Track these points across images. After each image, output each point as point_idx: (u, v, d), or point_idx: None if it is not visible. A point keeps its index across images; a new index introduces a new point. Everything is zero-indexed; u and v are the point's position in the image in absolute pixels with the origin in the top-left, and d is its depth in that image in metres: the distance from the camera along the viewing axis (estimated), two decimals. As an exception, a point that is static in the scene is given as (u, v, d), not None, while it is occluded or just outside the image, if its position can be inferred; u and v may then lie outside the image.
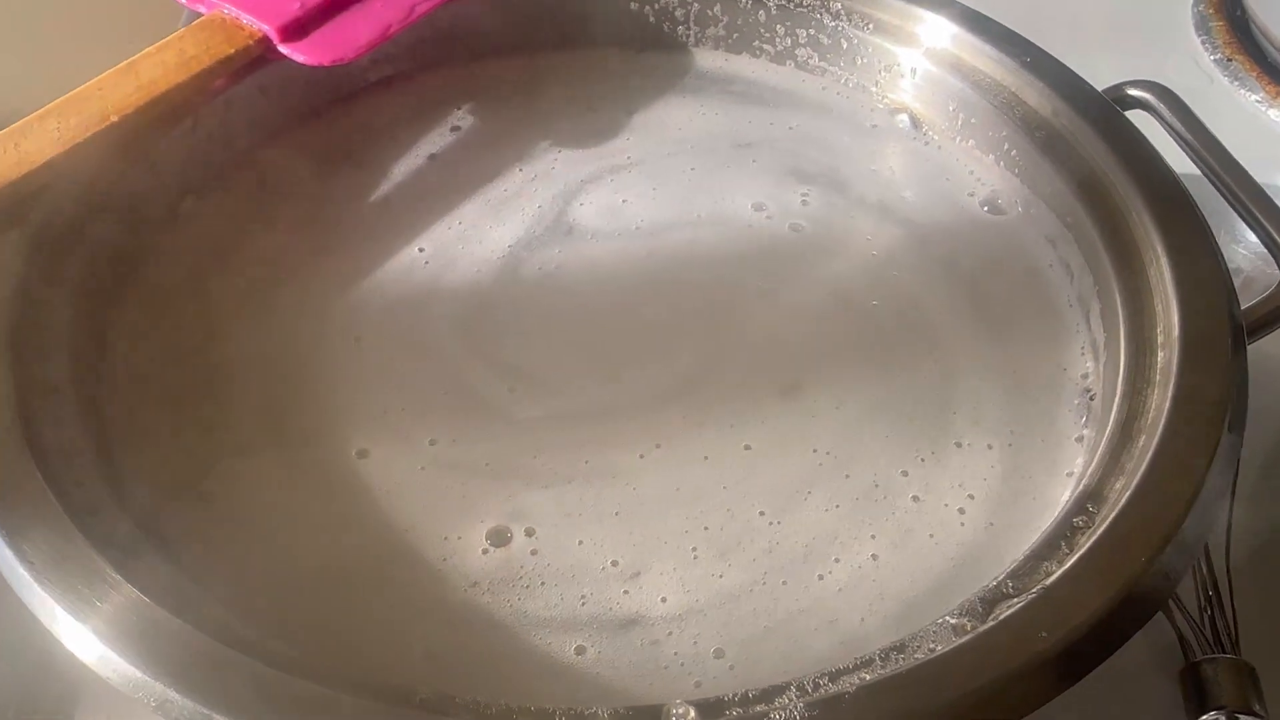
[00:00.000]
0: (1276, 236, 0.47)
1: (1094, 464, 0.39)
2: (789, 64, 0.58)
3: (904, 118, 0.55)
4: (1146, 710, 0.51)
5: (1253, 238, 0.48)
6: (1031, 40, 0.52)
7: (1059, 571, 0.35)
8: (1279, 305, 0.45)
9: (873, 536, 0.41)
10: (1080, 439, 0.43)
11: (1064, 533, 0.36)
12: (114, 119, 0.45)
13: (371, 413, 0.44)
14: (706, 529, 0.41)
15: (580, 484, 0.42)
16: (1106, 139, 0.48)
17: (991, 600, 0.35)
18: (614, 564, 0.40)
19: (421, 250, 0.50)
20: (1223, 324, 0.40)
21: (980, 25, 0.52)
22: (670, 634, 0.38)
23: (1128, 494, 0.36)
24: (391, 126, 0.55)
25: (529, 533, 0.41)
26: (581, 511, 0.41)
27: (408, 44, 0.56)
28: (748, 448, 0.44)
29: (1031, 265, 0.50)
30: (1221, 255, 0.43)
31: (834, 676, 0.33)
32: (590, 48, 0.58)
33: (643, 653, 0.38)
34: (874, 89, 0.56)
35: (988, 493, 0.42)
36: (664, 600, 0.39)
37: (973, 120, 0.53)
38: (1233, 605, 0.52)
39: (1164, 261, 0.43)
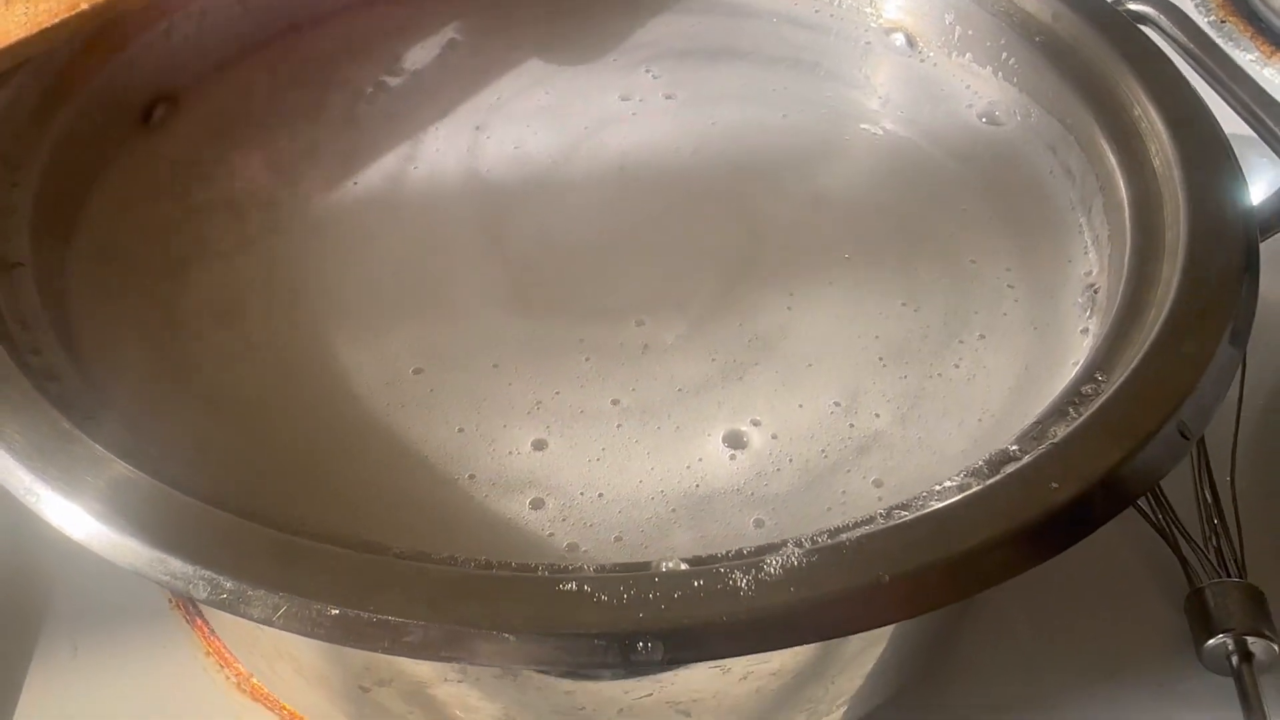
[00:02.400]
0: (1283, 137, 0.45)
1: (1103, 336, 0.37)
2: (780, -17, 0.57)
3: (899, 36, 0.54)
4: (1152, 638, 0.50)
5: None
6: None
7: (1067, 430, 0.33)
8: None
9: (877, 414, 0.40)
10: (1085, 331, 0.42)
11: (1072, 400, 0.35)
12: (84, 6, 0.44)
13: (335, 293, 0.43)
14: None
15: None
16: (1108, 37, 0.46)
17: (997, 462, 0.33)
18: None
19: (436, 128, 0.50)
20: (1230, 195, 0.39)
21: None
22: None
23: (1138, 358, 0.35)
24: (379, 39, 0.54)
25: (539, 446, 0.39)
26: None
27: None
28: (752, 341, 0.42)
29: (1032, 173, 0.48)
30: (1224, 135, 0.42)
31: (833, 534, 0.31)
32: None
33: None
34: (869, 9, 0.55)
35: (983, 389, 0.41)
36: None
37: (970, 32, 0.52)
38: (1239, 529, 0.51)
39: (1170, 150, 0.42)
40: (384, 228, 0.45)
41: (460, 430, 0.39)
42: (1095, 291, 0.43)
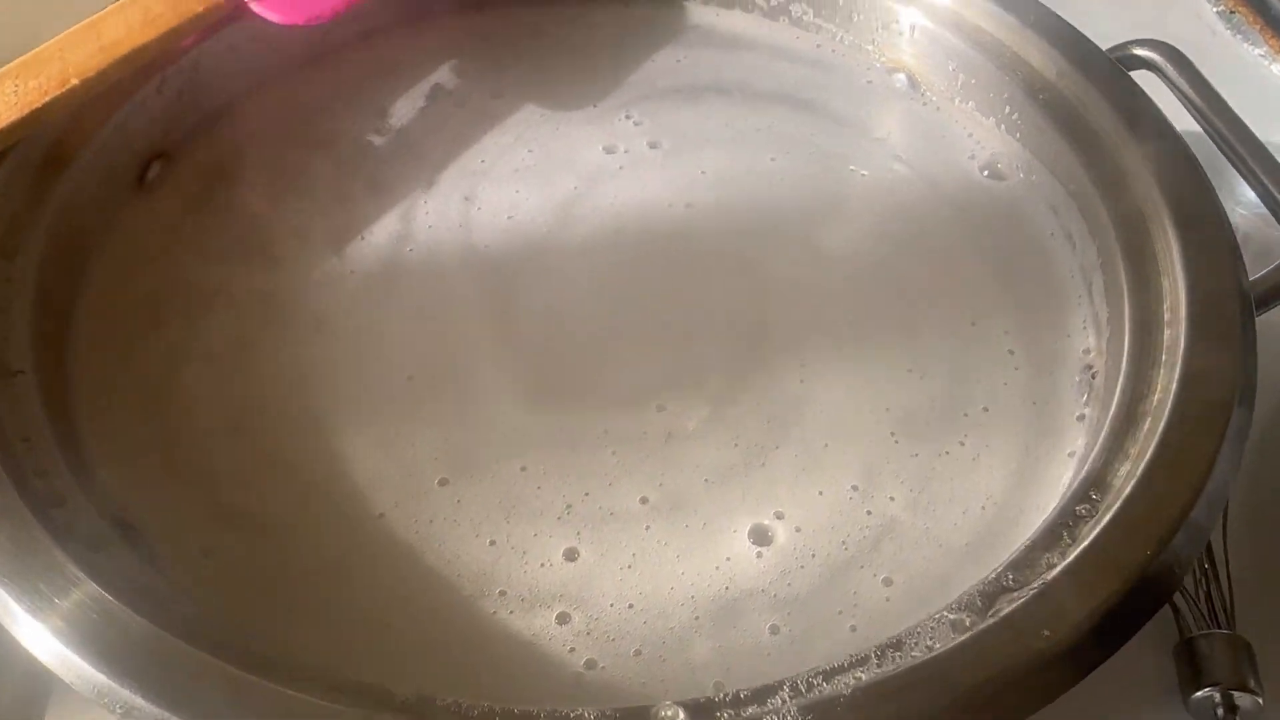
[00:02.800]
0: (1283, 200, 0.45)
1: (1097, 447, 0.37)
2: (783, 19, 0.56)
3: (901, 77, 0.53)
4: (1141, 687, 0.51)
5: (1252, 196, 0.47)
6: (1035, -4, 0.50)
7: (1061, 565, 0.33)
8: (1288, 276, 0.44)
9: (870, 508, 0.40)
10: (1082, 418, 0.42)
11: (1066, 521, 0.35)
12: (75, 82, 0.43)
13: (348, 398, 0.43)
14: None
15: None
16: (1113, 103, 0.46)
17: (991, 594, 0.34)
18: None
19: (425, 202, 0.49)
20: (1232, 301, 0.39)
21: (981, -20, 0.50)
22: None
23: (1133, 481, 0.35)
24: (368, 86, 0.53)
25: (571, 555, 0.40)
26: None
27: (384, -2, 0.53)
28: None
29: (1033, 234, 0.48)
30: (1230, 226, 0.42)
31: (828, 676, 0.31)
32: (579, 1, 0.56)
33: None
34: (870, 47, 0.54)
35: (987, 471, 0.41)
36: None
37: (973, 81, 0.51)
38: (1229, 579, 0.51)
39: (1171, 234, 0.42)
40: (388, 319, 0.45)
41: (492, 543, 0.39)
42: (1093, 376, 0.43)
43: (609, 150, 0.51)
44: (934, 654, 0.31)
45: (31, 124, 0.42)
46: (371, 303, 0.45)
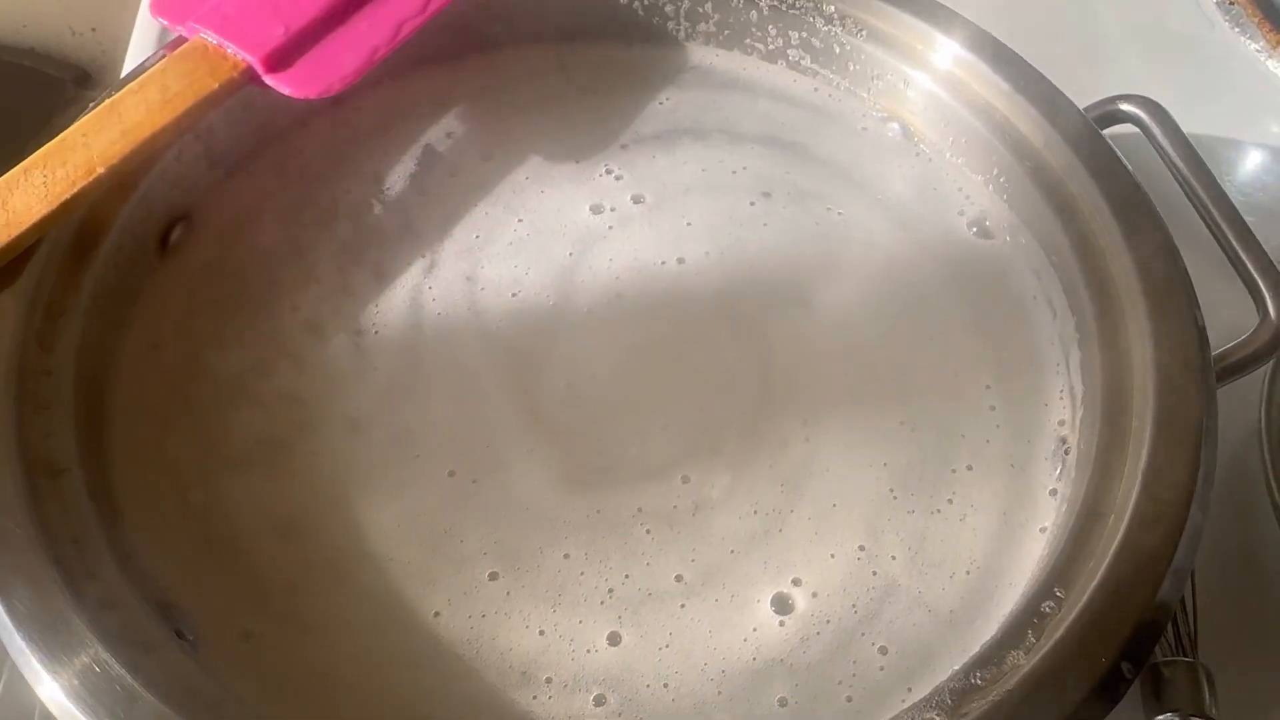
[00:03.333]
0: (1257, 276, 0.47)
1: (1064, 540, 0.40)
2: (780, 63, 0.57)
3: (895, 126, 0.55)
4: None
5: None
6: (1026, 61, 0.51)
7: (1025, 668, 0.37)
8: (1251, 353, 0.46)
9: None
10: (1054, 492, 0.45)
11: (1031, 619, 0.38)
12: (101, 171, 0.45)
13: (392, 499, 0.45)
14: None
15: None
16: (1098, 182, 0.48)
17: (961, 691, 0.37)
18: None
19: (430, 288, 0.50)
20: (1196, 406, 0.41)
21: (976, 43, 0.51)
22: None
23: (1094, 582, 0.38)
24: (363, 147, 0.54)
25: (614, 640, 0.43)
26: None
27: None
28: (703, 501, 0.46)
29: (1017, 296, 0.50)
30: (1201, 321, 0.44)
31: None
32: (578, 41, 0.57)
33: None
34: (865, 95, 0.56)
35: (971, 534, 0.44)
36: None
37: (964, 139, 0.53)
38: (1194, 607, 0.55)
39: (1143, 324, 0.44)
40: (418, 416, 0.47)
41: (541, 633, 0.42)
42: (1066, 451, 0.46)
43: (595, 210, 0.53)
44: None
45: (61, 215, 0.44)
46: (400, 399, 0.47)
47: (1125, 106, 0.53)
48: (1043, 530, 0.44)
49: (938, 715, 0.36)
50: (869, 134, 0.55)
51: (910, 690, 0.41)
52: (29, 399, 0.42)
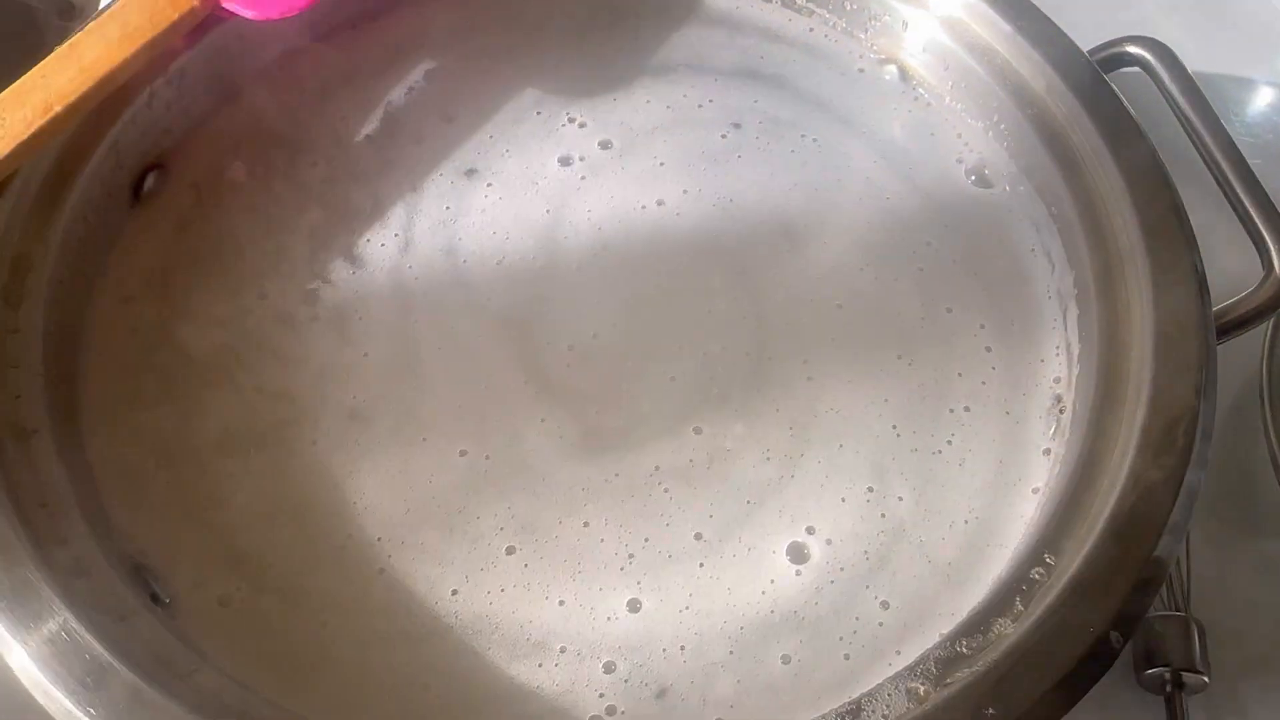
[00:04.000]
0: (1263, 230, 0.46)
1: (1055, 505, 0.40)
2: (775, 1, 0.55)
3: (892, 69, 0.53)
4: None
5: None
6: (1029, 2, 0.49)
7: (1012, 637, 0.36)
8: (1254, 309, 0.45)
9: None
10: (1047, 452, 0.44)
11: (1020, 586, 0.38)
12: (58, 109, 0.43)
13: (402, 486, 0.44)
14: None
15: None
16: (1099, 127, 0.46)
17: (947, 660, 0.36)
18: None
19: (410, 267, 0.48)
20: (1195, 369, 0.40)
21: (977, -18, 0.49)
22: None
23: (1085, 548, 0.37)
24: (357, 77, 0.53)
25: (634, 606, 0.42)
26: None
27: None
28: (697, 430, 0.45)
29: (1014, 247, 0.49)
30: (1204, 276, 0.43)
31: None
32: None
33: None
34: (863, 36, 0.54)
35: (970, 478, 0.44)
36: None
37: (963, 84, 0.51)
38: (1188, 563, 0.54)
39: (1143, 281, 0.43)
40: (420, 399, 0.45)
41: (561, 603, 0.41)
42: (1061, 410, 0.44)
43: (564, 161, 0.51)
44: (892, 731, 0.34)
45: (20, 157, 0.43)
46: (398, 383, 0.46)
47: (1131, 49, 0.51)
48: (1035, 491, 0.43)
49: (922, 684, 0.36)
50: (865, 76, 0.54)
51: (899, 654, 0.40)
52: (-2, 358, 0.41)
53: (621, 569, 0.42)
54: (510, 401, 0.45)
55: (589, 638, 0.41)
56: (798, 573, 0.42)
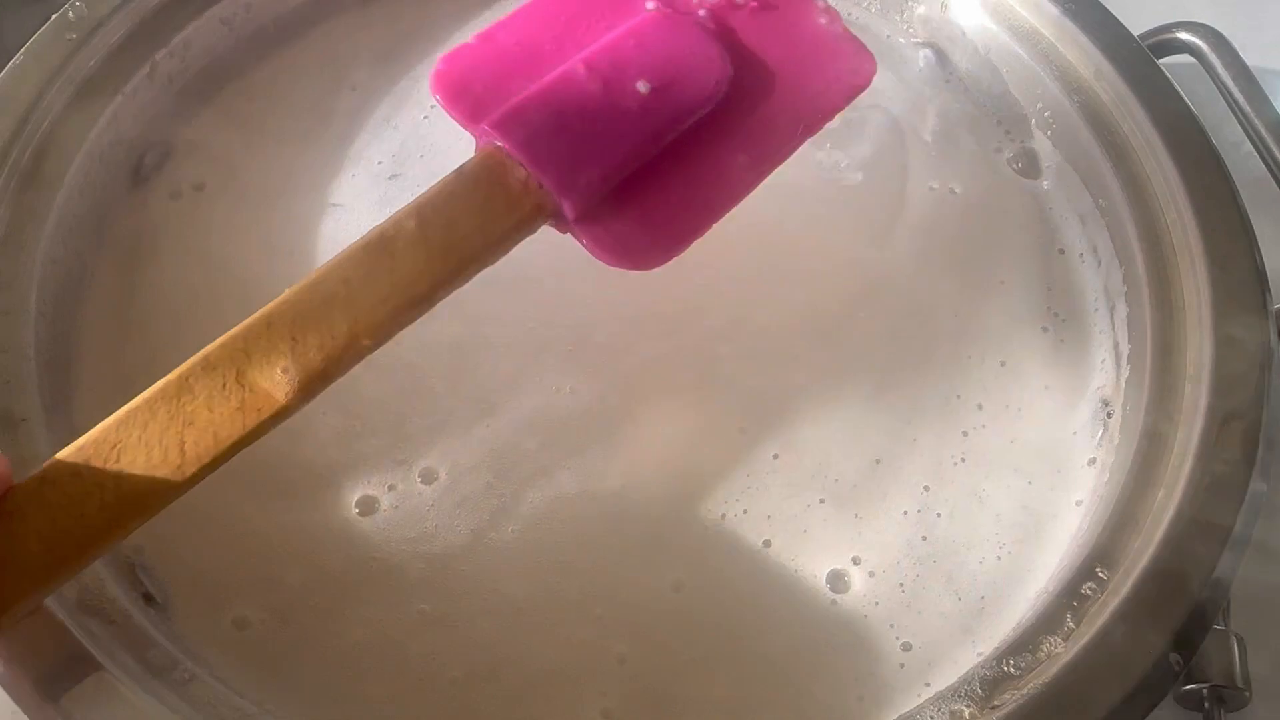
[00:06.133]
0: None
1: (1107, 514, 0.37)
2: (808, -21, 0.52)
3: (929, 52, 0.51)
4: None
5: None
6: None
7: (1064, 658, 0.34)
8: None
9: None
10: (1093, 461, 0.41)
11: (1070, 602, 0.35)
12: (366, 343, 0.34)
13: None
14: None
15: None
16: (1152, 115, 0.44)
17: (993, 680, 0.34)
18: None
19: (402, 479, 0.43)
20: (1258, 368, 0.37)
21: (1022, -38, 0.47)
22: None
23: (1142, 562, 0.35)
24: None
25: None
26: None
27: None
28: (742, 430, 0.42)
29: (1057, 242, 0.47)
30: (1265, 273, 0.40)
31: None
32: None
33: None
34: (898, 17, 0.51)
35: (994, 514, 0.41)
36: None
37: (1005, 68, 0.48)
38: (1230, 576, 0.52)
39: (1202, 276, 0.40)
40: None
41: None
42: (1109, 415, 0.42)
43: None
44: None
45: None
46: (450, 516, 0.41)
47: (1183, 35, 0.49)
48: (1079, 503, 0.41)
49: (967, 706, 0.34)
50: (902, 60, 0.51)
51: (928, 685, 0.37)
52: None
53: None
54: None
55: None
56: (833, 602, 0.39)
